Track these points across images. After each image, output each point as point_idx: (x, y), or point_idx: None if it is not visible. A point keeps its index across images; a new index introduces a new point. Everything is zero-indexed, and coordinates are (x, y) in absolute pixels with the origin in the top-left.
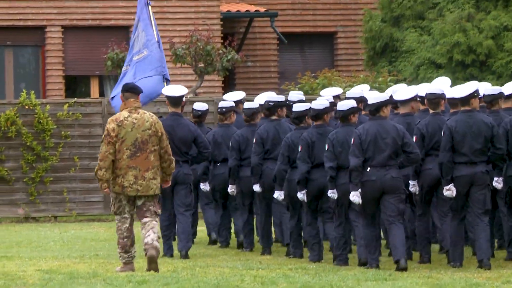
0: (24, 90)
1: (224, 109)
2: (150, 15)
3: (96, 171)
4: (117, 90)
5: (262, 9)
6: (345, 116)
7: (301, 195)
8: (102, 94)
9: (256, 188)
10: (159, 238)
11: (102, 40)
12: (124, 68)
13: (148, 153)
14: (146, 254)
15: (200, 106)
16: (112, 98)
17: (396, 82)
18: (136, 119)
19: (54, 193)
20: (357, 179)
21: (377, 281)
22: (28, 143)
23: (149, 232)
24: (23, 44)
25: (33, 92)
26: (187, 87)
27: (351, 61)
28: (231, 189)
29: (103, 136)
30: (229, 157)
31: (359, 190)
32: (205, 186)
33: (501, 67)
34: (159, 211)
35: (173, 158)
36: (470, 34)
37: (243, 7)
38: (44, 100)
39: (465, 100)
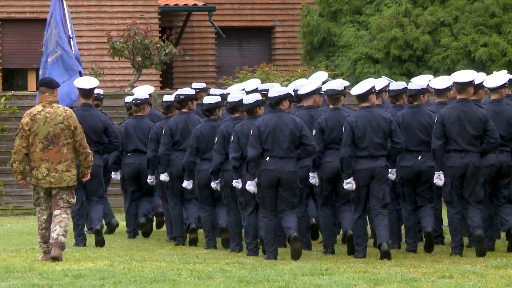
0: None
1: (138, 101)
2: (64, 10)
3: (11, 163)
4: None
5: (200, 3)
6: (251, 109)
7: (215, 185)
8: None
9: (163, 177)
10: (65, 232)
11: (39, 33)
12: (40, 72)
13: (61, 146)
14: (51, 250)
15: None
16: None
17: (334, 76)
18: (49, 113)
19: None
20: (254, 169)
21: (313, 276)
22: None
23: (56, 226)
24: None
25: None
26: (124, 80)
27: (289, 56)
28: (150, 179)
29: (17, 130)
30: (148, 148)
31: (256, 179)
32: (116, 176)
33: (437, 62)
34: (73, 200)
35: (90, 151)
36: (407, 29)
37: (181, 1)
38: None
39: (364, 96)
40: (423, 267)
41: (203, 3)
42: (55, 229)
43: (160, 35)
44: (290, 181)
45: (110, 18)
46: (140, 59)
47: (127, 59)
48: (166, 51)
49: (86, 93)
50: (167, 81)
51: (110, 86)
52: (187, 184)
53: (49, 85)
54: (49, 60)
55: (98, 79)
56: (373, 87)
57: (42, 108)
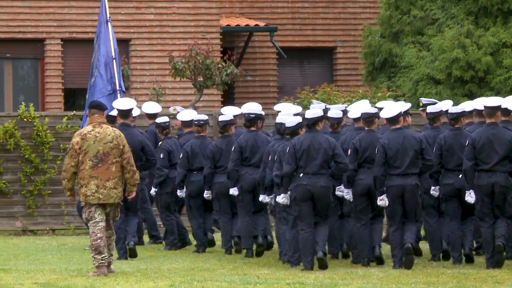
0: (23, 103)
1: (201, 122)
2: (109, 31)
3: (62, 180)
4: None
5: (261, 24)
6: (294, 131)
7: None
8: None
9: (232, 191)
10: (111, 255)
11: None
12: (87, 96)
13: (109, 164)
14: (104, 264)
15: (200, 116)
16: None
17: (395, 97)
18: (98, 132)
19: (52, 206)
20: (288, 184)
21: None
22: (26, 156)
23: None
24: (23, 57)
25: (32, 104)
26: (186, 101)
27: (350, 76)
28: (206, 194)
29: (68, 149)
30: (204, 165)
31: (288, 193)
32: (181, 193)
33: (499, 83)
34: (117, 218)
35: (136, 170)
36: (469, 50)
37: (243, 22)
38: (43, 112)
39: (394, 119)
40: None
41: (264, 23)
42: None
43: (221, 55)
44: (322, 195)
45: (172, 39)
46: (201, 79)
47: (188, 79)
48: (228, 72)
49: (124, 113)
50: (228, 102)
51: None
52: (263, 198)
53: (99, 107)
54: (91, 82)
55: (159, 99)
56: (401, 111)
57: (92, 128)
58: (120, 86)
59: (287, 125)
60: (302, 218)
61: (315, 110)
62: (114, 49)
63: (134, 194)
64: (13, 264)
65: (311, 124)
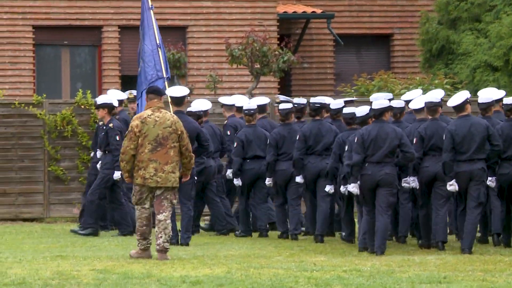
0: (80, 90)
1: (252, 111)
2: (152, 20)
3: (119, 162)
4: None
5: (318, 11)
6: (364, 120)
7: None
8: None
9: (298, 179)
10: (169, 238)
11: None
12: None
13: (168, 148)
14: (148, 247)
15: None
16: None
17: (452, 84)
18: (158, 117)
19: None
20: (358, 173)
21: (431, 284)
22: (83, 143)
23: (161, 234)
24: (80, 44)
25: (89, 91)
26: (242, 88)
27: (407, 63)
28: (268, 181)
29: (127, 132)
30: (267, 152)
31: (358, 182)
32: (238, 182)
33: None
34: (175, 201)
35: (193, 155)
36: None
37: (300, 9)
38: None
39: (460, 107)
40: None
41: (321, 10)
42: (161, 236)
43: (278, 42)
44: (387, 182)
45: (229, 25)
46: (258, 66)
47: (245, 66)
48: (285, 59)
49: (178, 101)
50: (285, 89)
51: (228, 93)
52: (329, 188)
53: (157, 92)
54: (138, 71)
55: (216, 87)
56: (467, 98)
57: (152, 112)
58: (166, 73)
59: (357, 114)
60: (368, 205)
61: (382, 100)
62: (157, 37)
63: (188, 177)
64: (70, 250)
65: (378, 114)
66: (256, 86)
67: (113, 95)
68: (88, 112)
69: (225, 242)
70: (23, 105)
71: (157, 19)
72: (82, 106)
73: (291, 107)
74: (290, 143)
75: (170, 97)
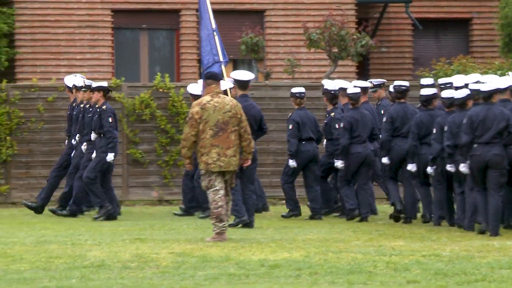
0: (158, 73)
1: (303, 94)
2: (207, 5)
3: (180, 149)
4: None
5: None
6: (463, 102)
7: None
8: None
9: (385, 160)
10: (228, 210)
11: (236, 24)
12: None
13: (229, 132)
14: (224, 231)
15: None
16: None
17: None
18: (217, 102)
19: None
20: (467, 154)
21: (511, 269)
22: (162, 126)
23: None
24: (158, 28)
25: (167, 75)
26: (320, 72)
27: (486, 48)
28: (341, 164)
29: (187, 118)
30: (341, 136)
31: (467, 162)
32: (293, 163)
33: None
34: (234, 185)
35: (251, 138)
36: None
37: None
38: (179, 83)
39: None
40: None
41: None
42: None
43: (356, 26)
44: (496, 162)
45: (306, 10)
46: (336, 50)
47: (323, 51)
48: (363, 43)
49: (243, 84)
50: (363, 73)
51: (306, 78)
52: (411, 167)
53: (214, 77)
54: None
55: (294, 71)
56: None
57: (211, 98)
58: (224, 57)
59: (456, 97)
60: (479, 184)
61: (491, 83)
62: (212, 21)
63: (249, 162)
64: (149, 233)
65: (487, 96)
66: (334, 70)
67: (69, 80)
68: (167, 95)
69: (303, 226)
70: None
71: (235, 3)
72: (161, 90)
73: (359, 92)
74: (363, 126)
75: (235, 80)
